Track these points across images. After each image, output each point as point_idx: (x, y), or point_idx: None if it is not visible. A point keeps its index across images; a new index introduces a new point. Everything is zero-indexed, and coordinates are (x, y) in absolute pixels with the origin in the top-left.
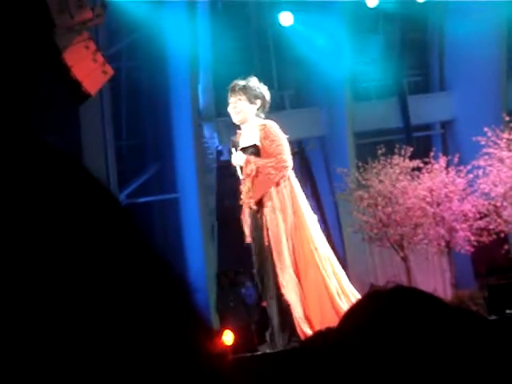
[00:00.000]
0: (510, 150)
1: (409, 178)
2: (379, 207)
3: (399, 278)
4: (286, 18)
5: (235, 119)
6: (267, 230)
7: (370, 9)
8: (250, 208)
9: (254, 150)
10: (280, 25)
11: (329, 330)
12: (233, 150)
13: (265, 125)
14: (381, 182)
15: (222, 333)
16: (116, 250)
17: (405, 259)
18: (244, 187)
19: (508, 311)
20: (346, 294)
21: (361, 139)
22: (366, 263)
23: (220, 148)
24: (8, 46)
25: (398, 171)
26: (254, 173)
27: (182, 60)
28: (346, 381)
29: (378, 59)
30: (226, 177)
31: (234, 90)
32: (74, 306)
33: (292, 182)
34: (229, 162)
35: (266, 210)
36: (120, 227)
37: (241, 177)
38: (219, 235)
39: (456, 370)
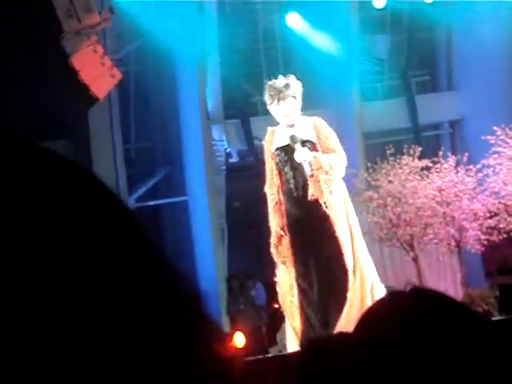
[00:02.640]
0: None
1: (418, 177)
2: (389, 207)
3: (409, 278)
4: (293, 20)
5: (287, 121)
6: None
7: (378, 9)
8: (318, 203)
9: (311, 146)
10: (287, 26)
11: (348, 332)
12: (296, 146)
13: (316, 121)
14: (390, 182)
15: (233, 335)
16: (125, 256)
17: (415, 259)
18: (310, 183)
19: None
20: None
21: (369, 139)
22: (377, 263)
23: (229, 150)
24: (19, 50)
25: (407, 171)
26: (327, 168)
27: (190, 63)
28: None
29: (386, 59)
30: (235, 179)
31: (278, 92)
32: (82, 315)
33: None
34: (237, 164)
35: (334, 201)
36: (128, 233)
37: (308, 172)
38: (229, 238)
39: (479, 371)
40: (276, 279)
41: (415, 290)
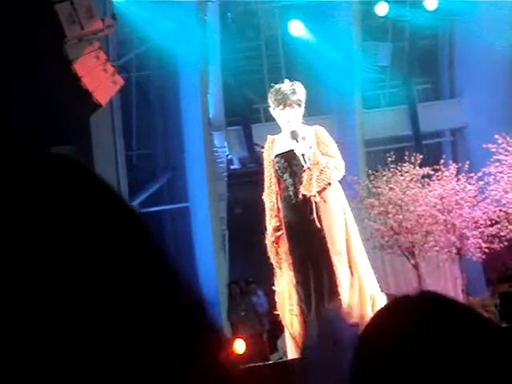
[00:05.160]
0: None
1: (419, 185)
2: (390, 215)
3: (410, 285)
4: (295, 27)
5: (289, 127)
6: (323, 220)
7: (380, 17)
8: (305, 199)
9: (310, 152)
10: (290, 34)
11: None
12: (298, 140)
13: (317, 129)
14: (391, 189)
15: (234, 342)
16: (131, 261)
17: (416, 267)
18: (304, 177)
19: None
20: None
21: (371, 147)
22: (378, 271)
23: (230, 157)
24: (21, 56)
25: (408, 179)
26: (323, 165)
27: (192, 70)
28: None
29: (388, 67)
30: (237, 186)
31: (285, 97)
32: (86, 321)
33: (341, 185)
34: (239, 170)
35: (327, 205)
36: (135, 238)
37: (305, 166)
38: (230, 244)
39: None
40: (274, 288)
41: (423, 295)
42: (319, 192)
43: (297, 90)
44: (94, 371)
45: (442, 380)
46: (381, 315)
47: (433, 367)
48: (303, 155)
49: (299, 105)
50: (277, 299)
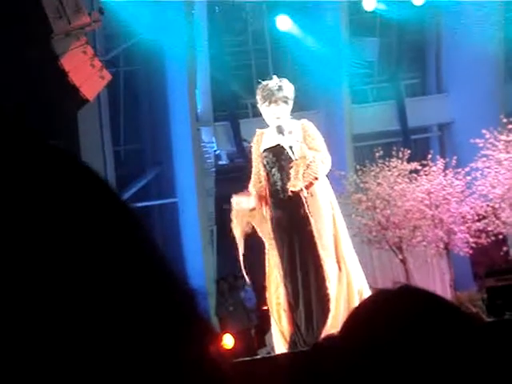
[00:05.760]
0: (507, 152)
1: (407, 180)
2: (378, 210)
3: (398, 280)
4: (283, 22)
5: (275, 123)
6: (314, 217)
7: (367, 12)
8: (290, 193)
9: (297, 145)
10: (277, 29)
11: (335, 336)
12: (284, 134)
13: (304, 123)
14: (379, 184)
15: (222, 337)
16: (118, 251)
17: (404, 261)
18: (292, 172)
19: (508, 313)
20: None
21: (358, 142)
22: (365, 266)
23: (218, 152)
24: (8, 50)
25: (396, 174)
26: (310, 159)
27: (180, 65)
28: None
29: (376, 62)
30: (225, 181)
31: (270, 94)
32: (75, 313)
33: (329, 179)
34: (227, 166)
35: (315, 199)
36: (126, 231)
37: (293, 158)
38: (218, 240)
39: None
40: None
41: (403, 289)
42: (307, 187)
43: (283, 87)
44: (79, 356)
45: (418, 372)
46: (360, 308)
47: (409, 360)
48: (291, 147)
49: (285, 102)
50: (266, 294)
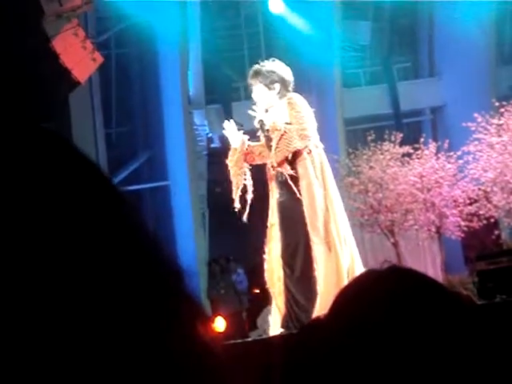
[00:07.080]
0: (499, 136)
1: (399, 164)
2: (370, 193)
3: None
4: (275, 5)
5: (260, 107)
6: (302, 200)
7: None
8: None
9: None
10: (270, 12)
11: (323, 317)
12: (268, 111)
13: (291, 97)
14: (371, 168)
15: (214, 320)
16: (109, 234)
17: (395, 245)
18: (272, 148)
19: (498, 296)
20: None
21: (351, 125)
22: (357, 249)
23: (210, 135)
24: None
25: (388, 157)
26: (281, 131)
27: (172, 48)
28: (340, 365)
29: (368, 45)
30: (217, 164)
31: (251, 77)
32: (68, 289)
33: (323, 158)
34: (219, 149)
35: (302, 178)
36: (114, 211)
37: (264, 131)
38: (210, 223)
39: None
40: (265, 256)
41: (392, 269)
42: (289, 163)
43: (275, 69)
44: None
45: (404, 352)
46: (348, 288)
47: (395, 340)
48: (261, 121)
49: (267, 85)
50: (266, 266)
